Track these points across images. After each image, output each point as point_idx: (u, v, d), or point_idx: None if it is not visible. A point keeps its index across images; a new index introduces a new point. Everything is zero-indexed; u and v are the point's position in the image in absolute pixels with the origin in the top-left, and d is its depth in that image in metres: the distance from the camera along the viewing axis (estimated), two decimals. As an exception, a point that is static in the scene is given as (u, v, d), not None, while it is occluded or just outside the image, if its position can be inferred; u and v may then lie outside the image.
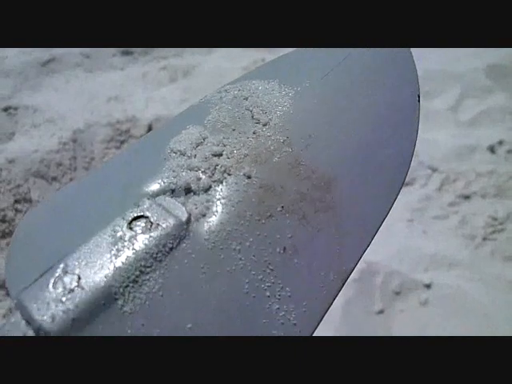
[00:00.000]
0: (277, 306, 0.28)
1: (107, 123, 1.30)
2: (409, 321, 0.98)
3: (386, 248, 1.07)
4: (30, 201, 1.13)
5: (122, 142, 1.30)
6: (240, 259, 0.29)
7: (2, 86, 1.43)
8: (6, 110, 1.34)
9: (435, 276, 1.03)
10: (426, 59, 1.61)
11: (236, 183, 0.31)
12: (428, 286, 1.02)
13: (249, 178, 0.32)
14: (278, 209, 0.31)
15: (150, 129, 1.34)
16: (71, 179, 1.21)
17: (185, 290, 0.27)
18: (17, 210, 1.11)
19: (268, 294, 0.28)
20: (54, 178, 1.20)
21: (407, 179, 1.23)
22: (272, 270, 0.29)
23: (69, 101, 1.42)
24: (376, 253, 1.06)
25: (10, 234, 1.08)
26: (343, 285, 0.31)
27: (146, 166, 0.33)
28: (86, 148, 1.27)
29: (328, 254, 0.32)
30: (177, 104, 1.43)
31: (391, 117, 0.41)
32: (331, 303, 0.30)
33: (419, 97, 0.42)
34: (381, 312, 0.99)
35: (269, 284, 0.29)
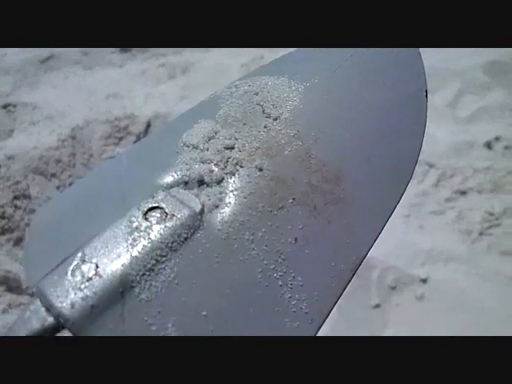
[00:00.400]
0: (289, 295, 0.29)
1: (106, 120, 1.31)
2: (405, 315, 0.99)
3: (383, 243, 1.08)
4: (29, 197, 1.14)
5: (121, 139, 1.30)
6: (253, 249, 0.29)
7: (1, 83, 1.44)
8: (5, 107, 1.35)
9: (431, 271, 1.04)
10: (425, 56, 1.61)
11: (248, 175, 0.32)
12: (424, 281, 1.02)
13: (260, 170, 0.33)
14: (290, 200, 0.32)
15: (148, 126, 1.35)
16: (70, 176, 1.22)
17: (199, 278, 0.27)
18: (16, 207, 1.12)
19: (280, 283, 0.29)
20: (53, 175, 1.21)
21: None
22: (284, 259, 0.30)
23: (67, 98, 1.43)
24: (373, 248, 1.06)
25: (10, 230, 1.09)
26: (353, 275, 0.32)
27: (159, 160, 0.34)
28: (85, 145, 1.28)
29: (338, 245, 0.32)
30: (176, 101, 1.43)
31: (399, 112, 0.42)
32: (342, 293, 0.31)
33: (427, 92, 0.43)
34: (377, 306, 0.99)
35: (281, 273, 0.29)
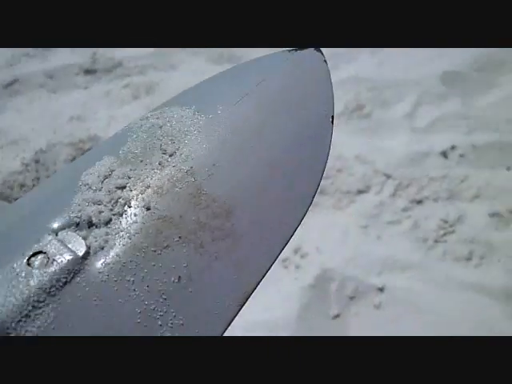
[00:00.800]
0: (168, 334, 0.29)
1: (69, 143, 1.33)
2: (364, 323, 1.02)
3: (342, 254, 1.11)
4: (-8, 223, 1.15)
5: (85, 161, 1.32)
6: (134, 290, 0.30)
7: (-35, 109, 1.44)
8: (-32, 133, 1.35)
9: (388, 279, 1.08)
10: (384, 68, 1.67)
11: (135, 215, 0.32)
12: (381, 290, 1.06)
13: (148, 209, 0.33)
14: (176, 239, 0.32)
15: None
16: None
17: (75, 322, 0.28)
18: (-20, 233, 1.12)
19: (160, 322, 0.29)
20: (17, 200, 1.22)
21: (363, 187, 1.28)
22: (165, 299, 0.30)
23: (32, 122, 1.44)
24: (331, 259, 1.10)
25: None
26: (240, 309, 0.32)
27: (57, 200, 0.34)
28: (49, 168, 1.29)
29: (224, 281, 0.32)
30: (140, 121, 1.45)
31: (301, 141, 0.42)
32: (226, 328, 0.31)
33: (333, 118, 0.43)
34: (337, 316, 1.02)
35: (161, 313, 0.30)
